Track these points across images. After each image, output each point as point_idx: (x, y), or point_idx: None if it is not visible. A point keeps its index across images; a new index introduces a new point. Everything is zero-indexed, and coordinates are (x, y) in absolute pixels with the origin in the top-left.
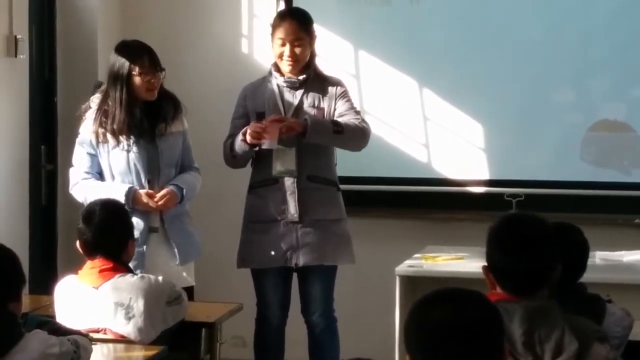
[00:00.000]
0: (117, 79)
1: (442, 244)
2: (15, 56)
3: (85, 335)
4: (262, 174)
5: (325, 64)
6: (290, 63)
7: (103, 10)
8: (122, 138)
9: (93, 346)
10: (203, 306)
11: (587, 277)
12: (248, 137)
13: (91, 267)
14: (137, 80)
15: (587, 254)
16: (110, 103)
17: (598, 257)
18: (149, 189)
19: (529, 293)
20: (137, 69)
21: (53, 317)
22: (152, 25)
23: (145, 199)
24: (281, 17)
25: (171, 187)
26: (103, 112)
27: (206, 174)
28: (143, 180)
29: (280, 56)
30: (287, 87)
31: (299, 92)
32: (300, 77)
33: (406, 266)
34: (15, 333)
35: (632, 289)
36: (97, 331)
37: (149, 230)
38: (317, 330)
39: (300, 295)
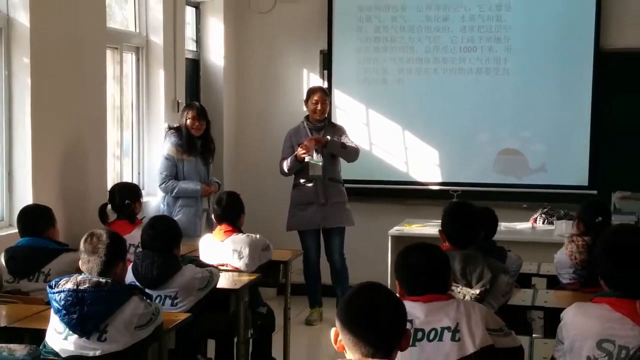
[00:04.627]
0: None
1: (414, 218)
2: (178, 112)
3: (216, 267)
4: (301, 177)
5: (347, 116)
6: (320, 114)
7: (226, 79)
8: (192, 155)
9: (220, 273)
10: (281, 252)
11: (496, 237)
12: (300, 154)
13: (219, 229)
14: (188, 121)
15: (497, 224)
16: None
17: (503, 226)
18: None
19: (465, 245)
20: (188, 114)
21: (198, 257)
22: (255, 92)
23: (208, 189)
24: (315, 89)
25: (214, 183)
26: (179, 138)
27: (275, 176)
28: (203, 181)
29: (314, 110)
30: (314, 128)
31: (321, 132)
32: (321, 124)
33: (395, 230)
34: (176, 266)
35: (519, 244)
36: (223, 265)
37: (203, 211)
38: (336, 265)
39: (325, 245)
